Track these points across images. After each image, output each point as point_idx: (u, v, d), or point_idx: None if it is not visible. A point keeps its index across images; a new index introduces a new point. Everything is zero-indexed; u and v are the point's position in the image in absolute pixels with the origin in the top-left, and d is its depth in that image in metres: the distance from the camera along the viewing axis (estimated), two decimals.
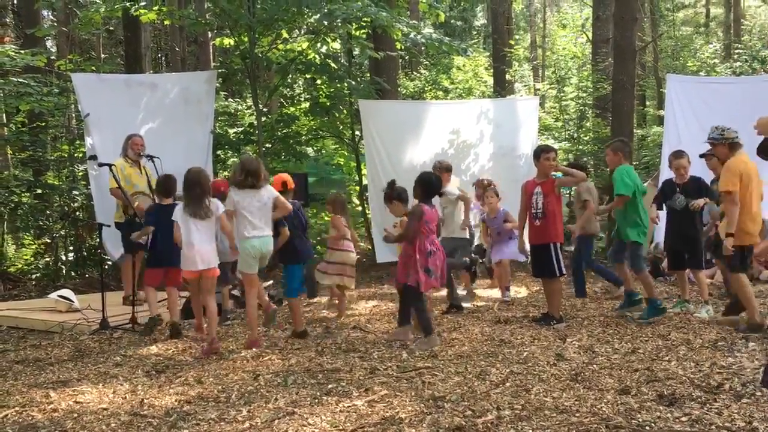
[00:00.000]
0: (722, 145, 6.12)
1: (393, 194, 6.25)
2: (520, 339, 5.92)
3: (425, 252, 5.86)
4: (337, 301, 7.69)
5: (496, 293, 8.39)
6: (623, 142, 7.20)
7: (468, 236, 8.00)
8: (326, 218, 12.92)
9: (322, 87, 12.46)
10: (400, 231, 6.54)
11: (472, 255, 8.09)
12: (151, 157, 8.02)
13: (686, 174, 7.01)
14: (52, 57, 13.11)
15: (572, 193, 12.84)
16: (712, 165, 7.48)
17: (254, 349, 5.86)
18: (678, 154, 7.11)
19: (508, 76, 17.92)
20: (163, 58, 23.24)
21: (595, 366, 4.92)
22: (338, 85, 11.85)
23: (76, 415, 4.24)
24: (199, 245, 5.93)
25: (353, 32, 11.52)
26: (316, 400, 4.34)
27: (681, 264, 7.12)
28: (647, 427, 3.64)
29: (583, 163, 9.02)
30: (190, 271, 5.99)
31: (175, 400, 4.47)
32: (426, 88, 19.59)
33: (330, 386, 4.64)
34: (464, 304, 7.66)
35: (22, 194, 11.05)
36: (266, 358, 5.60)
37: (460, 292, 8.06)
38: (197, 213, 5.92)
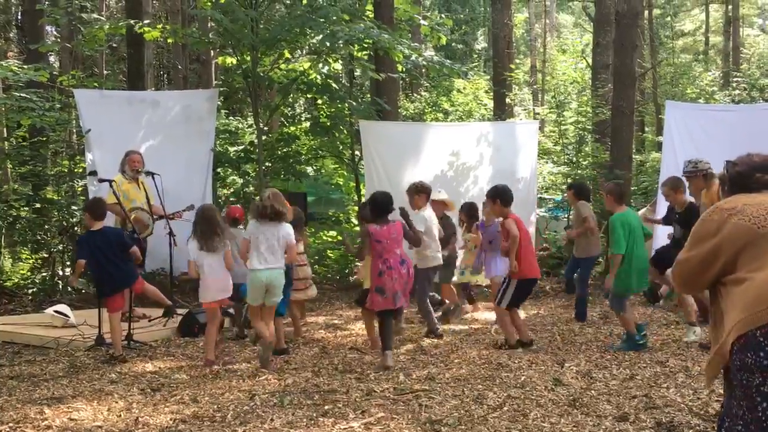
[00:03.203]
0: (697, 178, 6.20)
1: (360, 213, 7.19)
2: (517, 363, 5.89)
3: (376, 272, 5.93)
4: (300, 319, 7.61)
5: (490, 315, 8.36)
6: (617, 184, 7.08)
7: (436, 264, 7.59)
8: (324, 237, 12.94)
9: (323, 107, 12.53)
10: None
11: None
12: (152, 174, 8.03)
13: (674, 201, 7.02)
14: (55, 72, 13.17)
15: (570, 216, 12.88)
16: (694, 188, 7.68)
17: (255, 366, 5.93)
18: (665, 182, 7.15)
19: (508, 100, 18.02)
20: (165, 76, 23.37)
21: (593, 392, 4.90)
22: (339, 105, 11.91)
23: None
24: (216, 276, 6.10)
25: (355, 53, 11.60)
26: (313, 422, 4.31)
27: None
28: None
29: (587, 186, 8.95)
30: (209, 302, 6.15)
31: (170, 419, 4.44)
32: (426, 110, 19.68)
33: (326, 407, 4.62)
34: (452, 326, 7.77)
35: (21, 208, 11.04)
36: (262, 377, 5.57)
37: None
38: (210, 247, 6.07)
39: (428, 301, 7.44)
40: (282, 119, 14.95)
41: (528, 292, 6.84)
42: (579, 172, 13.04)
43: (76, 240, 11.09)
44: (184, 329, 7.40)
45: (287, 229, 6.04)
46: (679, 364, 5.73)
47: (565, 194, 12.19)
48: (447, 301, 8.36)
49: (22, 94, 10.51)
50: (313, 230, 12.99)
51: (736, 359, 2.46)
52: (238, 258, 6.78)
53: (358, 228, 13.21)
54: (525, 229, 6.79)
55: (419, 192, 7.46)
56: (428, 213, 7.45)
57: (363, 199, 11.45)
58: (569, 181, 13.23)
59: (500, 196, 6.73)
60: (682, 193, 7.01)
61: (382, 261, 5.94)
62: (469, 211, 8.63)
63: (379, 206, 6.10)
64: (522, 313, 8.68)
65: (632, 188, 12.11)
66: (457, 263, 8.66)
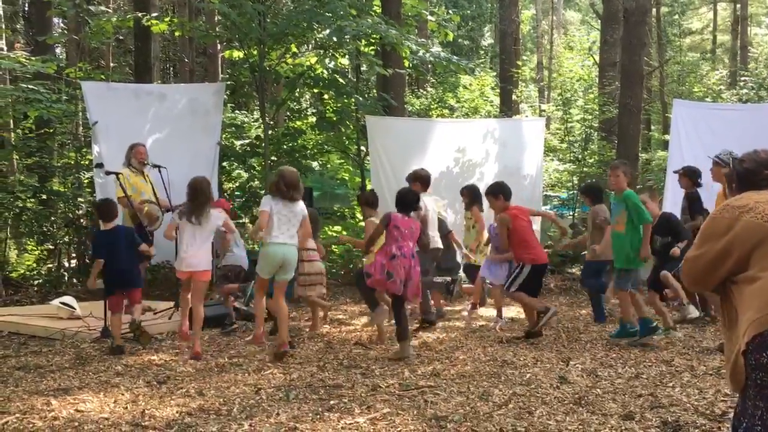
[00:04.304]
0: (722, 168, 6.29)
1: (362, 199, 7.30)
2: (522, 360, 5.90)
3: (389, 255, 6.00)
4: (321, 314, 7.68)
5: (494, 312, 8.36)
6: (628, 165, 7.23)
7: (438, 245, 7.74)
8: (329, 232, 12.93)
9: (330, 102, 12.52)
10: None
11: (448, 279, 8.05)
12: (158, 167, 8.04)
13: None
14: (62, 64, 13.17)
15: (575, 215, 12.86)
16: (684, 183, 7.84)
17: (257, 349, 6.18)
18: (642, 190, 7.25)
19: (514, 97, 18.00)
20: (171, 69, 23.35)
21: (598, 390, 4.90)
22: (345, 100, 11.91)
23: (77, 423, 4.23)
24: (194, 249, 6.15)
25: (362, 48, 11.59)
26: (318, 416, 4.32)
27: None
28: None
29: (599, 187, 8.87)
30: (182, 271, 6.22)
31: (177, 412, 4.45)
32: (432, 106, 19.65)
33: (332, 402, 4.63)
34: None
35: (27, 200, 11.07)
36: (268, 371, 5.58)
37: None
38: (199, 219, 6.14)
39: (426, 284, 7.45)
40: (288, 113, 14.95)
41: (539, 279, 6.98)
42: (585, 169, 13.02)
43: (84, 233, 11.18)
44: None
45: (301, 205, 6.14)
46: (684, 363, 5.72)
47: (572, 192, 12.18)
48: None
49: (29, 86, 10.52)
50: None
51: (751, 358, 2.44)
52: (239, 242, 7.32)
53: (362, 224, 13.24)
54: (527, 219, 6.98)
55: (414, 179, 7.69)
56: (425, 198, 7.51)
57: None
58: (575, 179, 13.23)
59: (503, 191, 6.96)
60: (657, 204, 7.33)
61: (397, 247, 6.01)
62: (471, 191, 8.58)
63: (404, 202, 6.24)
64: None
65: (638, 187, 12.08)
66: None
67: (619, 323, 6.65)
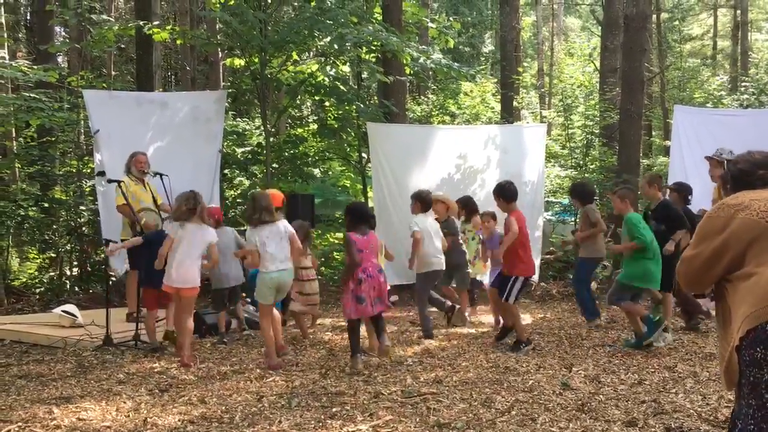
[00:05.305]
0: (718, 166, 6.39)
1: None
2: (525, 367, 5.88)
3: (356, 281, 5.95)
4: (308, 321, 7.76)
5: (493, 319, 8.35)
6: (630, 189, 7.30)
7: (437, 268, 7.63)
8: (331, 239, 12.94)
9: (331, 109, 12.54)
10: None
11: (449, 303, 8.07)
12: (160, 175, 8.06)
13: (650, 196, 7.22)
14: (64, 73, 13.21)
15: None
16: (673, 198, 7.77)
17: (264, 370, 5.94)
18: (644, 177, 7.31)
19: (515, 103, 18.00)
20: (173, 77, 23.40)
21: (601, 396, 4.89)
22: (347, 107, 11.92)
23: None
24: (185, 265, 6.12)
25: (363, 56, 11.61)
26: (321, 424, 4.31)
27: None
28: None
29: (591, 188, 8.86)
30: (169, 286, 6.19)
31: (179, 420, 4.45)
32: (433, 113, 19.67)
33: (334, 410, 4.62)
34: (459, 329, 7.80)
35: (29, 208, 11.09)
36: (270, 379, 5.58)
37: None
38: (185, 225, 6.13)
39: (426, 306, 7.47)
40: (289, 121, 14.97)
41: (525, 289, 6.99)
42: (586, 175, 13.02)
43: (86, 241, 11.17)
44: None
45: (284, 223, 6.11)
46: (687, 369, 5.71)
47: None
48: (449, 302, 8.29)
49: (31, 95, 10.54)
50: (319, 232, 13.00)
51: (745, 354, 2.44)
52: (230, 260, 7.17)
53: None
54: (524, 228, 6.89)
55: (416, 199, 7.71)
56: (421, 218, 7.56)
57: (370, 202, 11.48)
58: None
59: (501, 193, 6.89)
60: (657, 190, 7.31)
61: (361, 270, 5.98)
62: (466, 203, 8.66)
63: (357, 216, 6.20)
64: (529, 317, 8.71)
65: (639, 192, 12.07)
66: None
67: (634, 335, 6.63)
